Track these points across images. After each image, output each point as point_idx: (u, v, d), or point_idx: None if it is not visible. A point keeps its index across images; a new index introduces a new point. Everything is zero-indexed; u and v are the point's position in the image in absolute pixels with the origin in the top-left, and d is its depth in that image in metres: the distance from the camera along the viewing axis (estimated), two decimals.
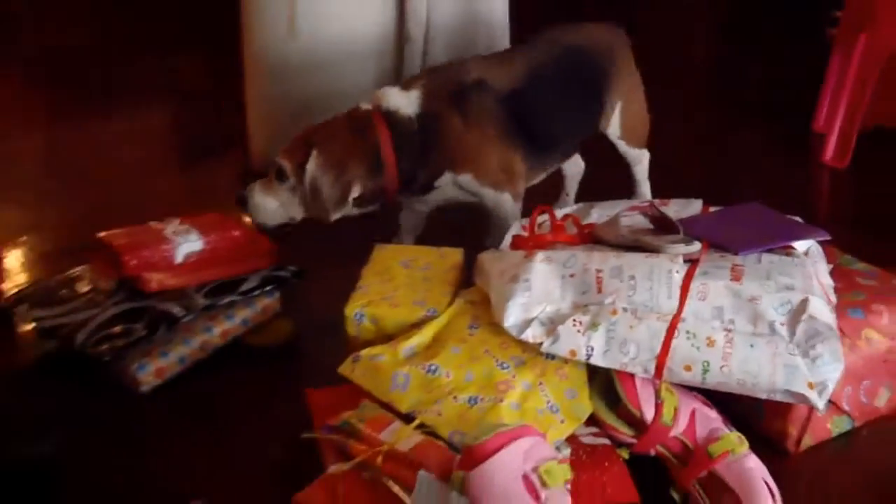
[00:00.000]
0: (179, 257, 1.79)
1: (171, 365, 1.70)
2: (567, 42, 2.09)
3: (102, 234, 1.85)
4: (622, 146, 2.21)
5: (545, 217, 1.69)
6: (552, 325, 1.44)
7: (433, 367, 1.43)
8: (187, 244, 1.80)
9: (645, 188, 2.32)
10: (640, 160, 2.28)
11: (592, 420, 1.42)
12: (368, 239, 1.86)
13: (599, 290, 1.45)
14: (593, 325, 1.41)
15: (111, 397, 1.67)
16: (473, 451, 1.18)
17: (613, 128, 2.16)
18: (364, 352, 1.49)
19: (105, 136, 3.00)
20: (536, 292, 1.47)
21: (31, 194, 2.58)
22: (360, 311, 1.57)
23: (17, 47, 3.95)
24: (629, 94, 2.16)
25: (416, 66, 2.51)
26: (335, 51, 2.43)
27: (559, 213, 1.73)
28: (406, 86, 1.93)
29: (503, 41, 2.59)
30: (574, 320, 1.42)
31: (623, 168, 2.27)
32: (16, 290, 1.95)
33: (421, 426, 1.35)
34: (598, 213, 1.75)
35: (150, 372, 1.67)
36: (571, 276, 1.48)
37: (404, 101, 1.88)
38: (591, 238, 1.63)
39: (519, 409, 1.37)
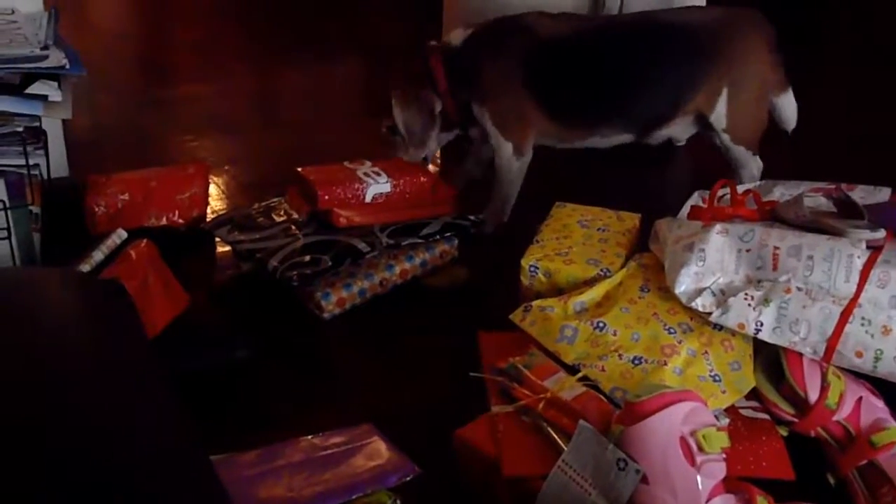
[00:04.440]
0: (369, 197, 1.90)
1: (352, 296, 1.80)
2: (667, 18, 2.09)
3: (300, 169, 1.98)
4: (726, 140, 2.10)
5: (726, 190, 1.69)
6: (723, 296, 1.45)
7: (601, 324, 1.48)
8: (377, 185, 1.91)
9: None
10: (746, 163, 2.14)
11: (754, 394, 1.43)
12: (539, 194, 1.92)
13: (775, 267, 1.45)
14: (765, 301, 1.41)
15: (296, 319, 1.79)
16: (635, 407, 1.22)
17: (717, 117, 2.07)
18: (535, 302, 1.55)
19: (307, 82, 3.16)
20: (710, 262, 1.49)
21: (237, 129, 2.75)
22: (536, 263, 1.63)
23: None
24: (741, 83, 2.05)
25: None
26: (532, 6, 2.45)
27: (741, 188, 1.73)
28: (469, 26, 2.09)
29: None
30: (746, 294, 1.43)
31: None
32: (218, 214, 2.12)
33: (584, 378, 1.40)
34: (781, 191, 1.73)
35: (333, 301, 1.78)
36: (748, 250, 1.49)
37: (457, 35, 2.08)
38: (771, 216, 1.62)
39: (681, 375, 1.40)
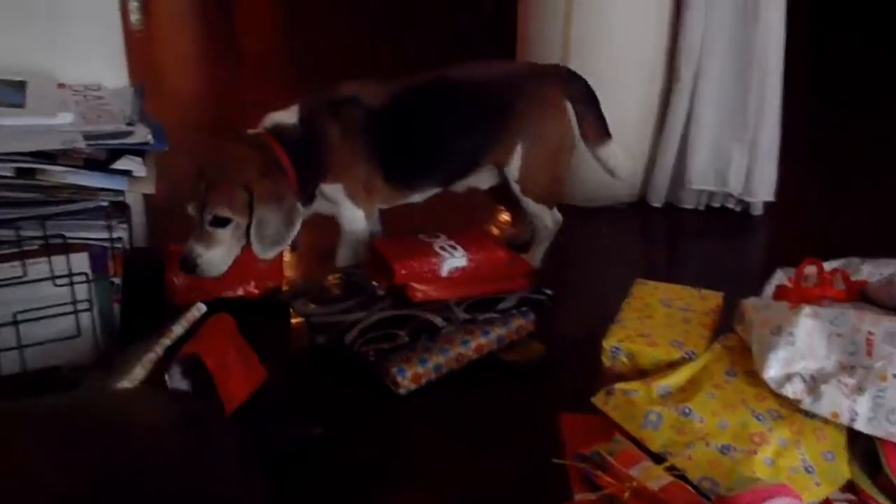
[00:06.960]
0: (445, 271, 1.90)
1: (428, 372, 1.79)
2: (468, 76, 2.15)
3: (376, 242, 1.98)
4: (517, 191, 2.17)
5: (812, 269, 1.65)
6: (814, 382, 1.41)
7: (687, 410, 1.44)
8: (453, 259, 1.90)
9: (536, 252, 2.25)
10: (538, 216, 2.22)
11: (849, 486, 1.38)
12: (615, 269, 1.89)
13: (869, 354, 1.40)
14: (860, 389, 1.36)
15: (371, 395, 1.78)
16: (728, 502, 1.18)
17: (511, 170, 2.14)
18: (618, 385, 1.52)
19: None
20: (800, 347, 1.44)
21: None
22: (617, 345, 1.60)
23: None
24: (536, 139, 2.13)
25: (684, 106, 2.49)
26: (603, 79, 2.44)
27: (828, 266, 1.68)
28: (284, 107, 2.05)
29: (775, 91, 2.52)
30: (839, 381, 1.38)
31: None
32: (294, 285, 2.13)
33: (670, 468, 1.36)
34: (870, 270, 1.69)
35: (408, 377, 1.76)
36: (839, 335, 1.44)
37: (285, 115, 2.03)
38: (861, 296, 1.58)
39: (773, 465, 1.35)
